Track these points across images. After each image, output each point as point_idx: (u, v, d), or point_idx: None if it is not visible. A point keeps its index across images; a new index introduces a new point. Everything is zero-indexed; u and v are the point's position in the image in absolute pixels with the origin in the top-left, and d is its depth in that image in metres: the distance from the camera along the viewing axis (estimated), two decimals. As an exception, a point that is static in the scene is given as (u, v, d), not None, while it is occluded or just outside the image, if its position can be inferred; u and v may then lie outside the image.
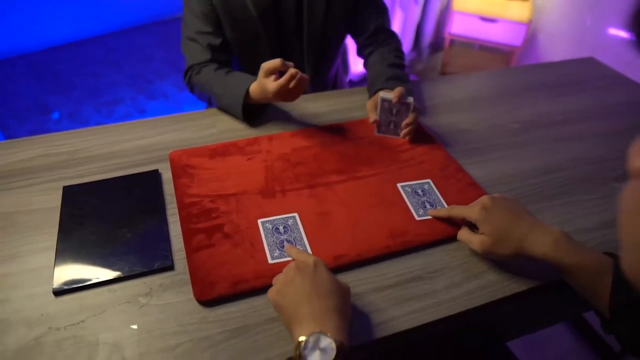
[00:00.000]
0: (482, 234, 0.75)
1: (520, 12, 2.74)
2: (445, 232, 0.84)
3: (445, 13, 3.17)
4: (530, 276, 0.78)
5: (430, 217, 0.86)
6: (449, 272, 0.79)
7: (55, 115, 2.76)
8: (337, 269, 0.77)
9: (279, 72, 1.01)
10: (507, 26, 2.78)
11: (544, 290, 0.79)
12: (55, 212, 0.86)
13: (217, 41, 1.19)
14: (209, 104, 1.23)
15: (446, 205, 0.90)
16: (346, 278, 0.76)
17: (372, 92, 1.14)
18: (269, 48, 1.24)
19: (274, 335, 0.68)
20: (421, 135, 1.08)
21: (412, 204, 0.89)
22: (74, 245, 0.80)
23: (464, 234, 0.80)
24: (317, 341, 0.57)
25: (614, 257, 0.68)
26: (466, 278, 0.78)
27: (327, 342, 0.56)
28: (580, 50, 2.62)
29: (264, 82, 1.01)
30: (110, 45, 3.52)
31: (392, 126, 1.06)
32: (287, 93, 0.99)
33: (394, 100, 1.01)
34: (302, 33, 1.24)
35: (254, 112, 1.13)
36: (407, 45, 3.15)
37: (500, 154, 1.07)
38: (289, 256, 0.75)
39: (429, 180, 0.95)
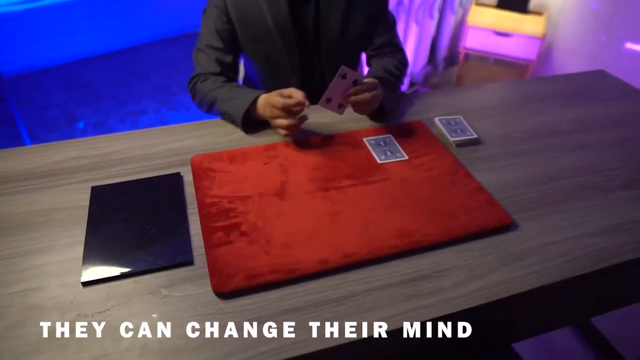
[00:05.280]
0: None
1: (535, 26, 2.77)
2: (452, 233, 0.88)
3: (460, 27, 3.22)
4: (534, 278, 0.82)
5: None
6: (454, 272, 0.82)
7: (80, 125, 2.87)
8: (348, 266, 0.81)
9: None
10: (521, 40, 2.82)
11: (548, 292, 0.82)
12: (87, 209, 0.93)
13: (226, 58, 1.26)
14: (207, 110, 1.26)
15: None
16: (357, 275, 0.81)
17: None
18: (290, 64, 1.29)
19: (286, 327, 0.73)
20: (432, 144, 1.13)
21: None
22: (101, 240, 0.85)
23: None
24: None
25: None
26: (471, 278, 0.81)
27: None
28: (595, 65, 2.64)
29: (273, 95, 1.08)
30: (140, 57, 3.65)
31: (459, 132, 1.16)
32: (287, 114, 1.06)
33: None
34: (320, 50, 1.30)
35: (254, 123, 1.17)
36: (422, 59, 3.20)
37: (506, 162, 1.10)
38: None
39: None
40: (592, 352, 1.61)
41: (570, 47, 2.81)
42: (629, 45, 2.44)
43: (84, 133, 2.82)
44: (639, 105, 1.38)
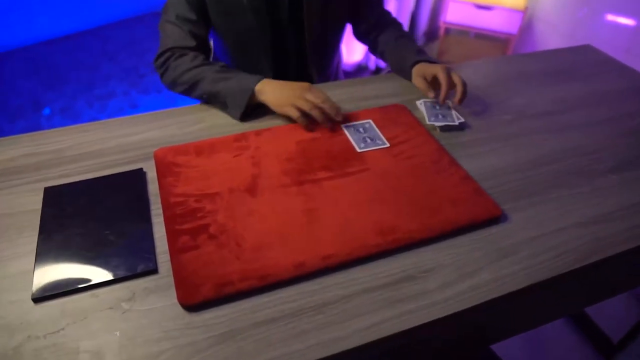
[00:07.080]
0: None
1: (516, -1, 2.70)
2: (437, 228, 0.82)
3: (440, 1, 3.13)
4: (525, 275, 0.76)
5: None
6: (441, 271, 0.77)
7: (46, 111, 2.72)
8: (326, 269, 0.75)
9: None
10: (502, 14, 2.74)
11: (539, 288, 0.77)
12: (39, 214, 0.84)
13: (200, 31, 1.15)
14: (184, 90, 1.12)
15: None
16: (335, 279, 0.74)
17: (409, 67, 1.21)
18: (262, 43, 1.19)
19: (261, 340, 0.66)
20: (414, 129, 1.06)
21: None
22: (55, 249, 0.77)
23: None
24: None
25: None
26: (459, 277, 0.76)
27: None
28: (577, 38, 2.59)
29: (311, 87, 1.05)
30: (107, 37, 3.47)
31: (440, 117, 1.09)
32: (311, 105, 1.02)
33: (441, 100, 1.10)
34: (302, 28, 1.21)
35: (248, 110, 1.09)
36: (402, 34, 3.11)
37: (492, 146, 1.04)
38: None
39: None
40: (582, 338, 1.59)
41: (552, 20, 2.75)
42: (611, 18, 2.39)
43: (50, 120, 2.68)
44: (626, 81, 1.32)
